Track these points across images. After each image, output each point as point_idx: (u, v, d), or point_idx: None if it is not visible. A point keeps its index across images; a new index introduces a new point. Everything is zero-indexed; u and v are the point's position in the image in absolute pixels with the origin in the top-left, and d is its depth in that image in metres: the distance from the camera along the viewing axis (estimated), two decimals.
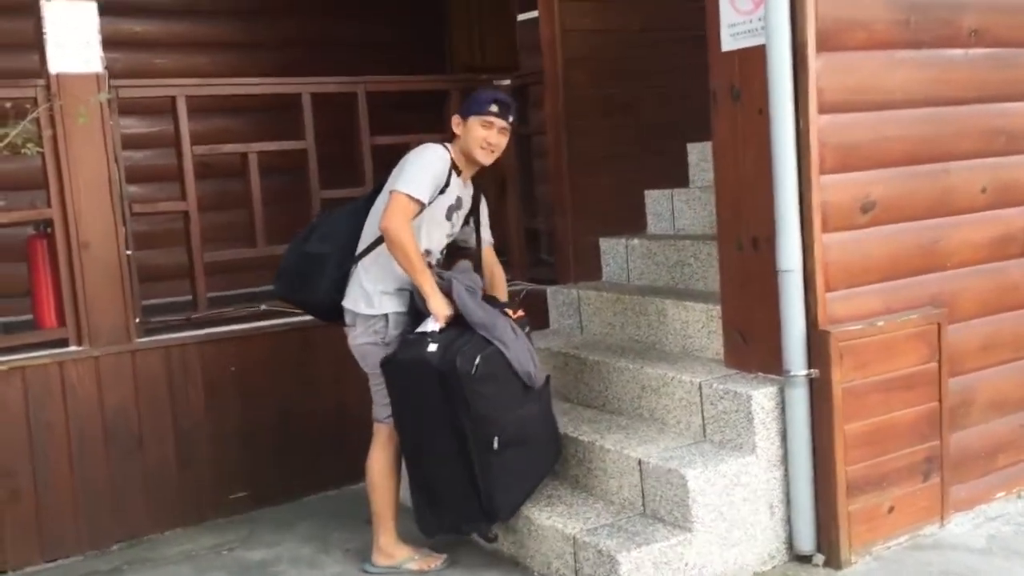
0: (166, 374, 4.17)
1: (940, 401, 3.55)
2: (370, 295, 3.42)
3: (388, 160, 4.90)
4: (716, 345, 3.80)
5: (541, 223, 5.25)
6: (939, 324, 3.53)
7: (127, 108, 4.58)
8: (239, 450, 4.33)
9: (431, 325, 3.27)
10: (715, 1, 3.50)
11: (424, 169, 3.37)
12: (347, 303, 3.48)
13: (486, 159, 3.52)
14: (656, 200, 4.74)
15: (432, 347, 3.21)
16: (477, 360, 3.19)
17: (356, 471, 3.80)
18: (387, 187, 3.41)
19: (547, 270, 5.13)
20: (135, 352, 4.09)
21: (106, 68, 3.97)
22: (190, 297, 4.43)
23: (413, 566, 3.56)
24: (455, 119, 3.53)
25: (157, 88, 4.60)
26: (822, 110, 3.25)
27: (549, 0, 4.67)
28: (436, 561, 3.57)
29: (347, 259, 3.49)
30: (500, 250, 5.34)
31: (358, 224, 3.52)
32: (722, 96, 3.54)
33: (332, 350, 4.51)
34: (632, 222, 4.81)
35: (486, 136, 3.47)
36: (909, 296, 3.52)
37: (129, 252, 4.08)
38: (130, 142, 4.56)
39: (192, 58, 6.15)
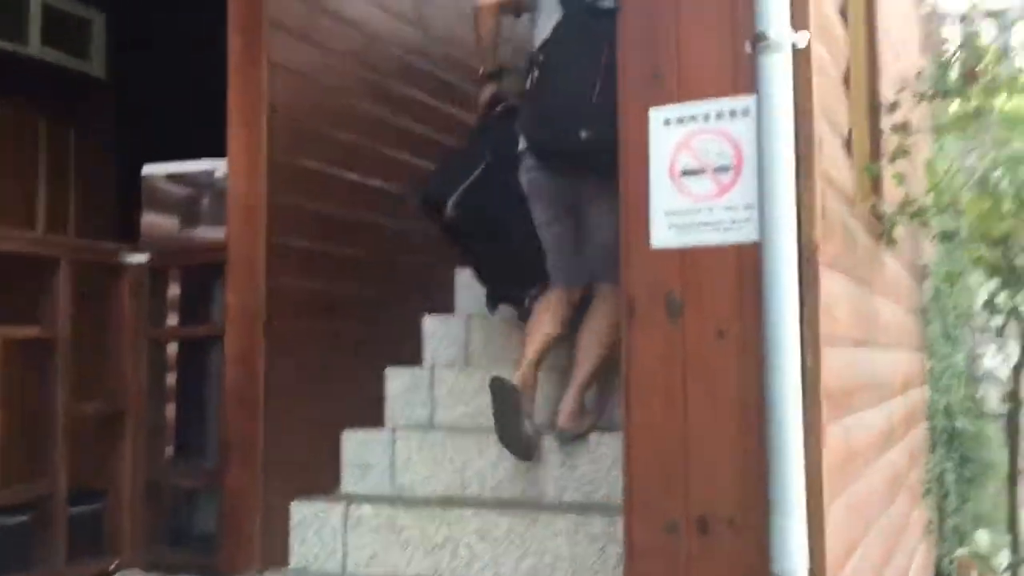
0: None
1: None
2: None
3: None
4: None
5: (188, 475, 3.37)
6: None
7: None
8: None
9: None
10: (641, 178, 2.46)
11: None
12: None
13: None
14: (361, 444, 3.34)
15: None
16: None
17: None
18: None
19: (196, 553, 3.23)
20: None
21: None
22: None
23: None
24: None
25: None
26: (830, 341, 2.36)
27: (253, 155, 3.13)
28: None
29: None
30: (101, 515, 3.33)
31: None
32: (647, 307, 2.45)
33: None
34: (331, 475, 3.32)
35: None
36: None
37: None
38: None
39: None
